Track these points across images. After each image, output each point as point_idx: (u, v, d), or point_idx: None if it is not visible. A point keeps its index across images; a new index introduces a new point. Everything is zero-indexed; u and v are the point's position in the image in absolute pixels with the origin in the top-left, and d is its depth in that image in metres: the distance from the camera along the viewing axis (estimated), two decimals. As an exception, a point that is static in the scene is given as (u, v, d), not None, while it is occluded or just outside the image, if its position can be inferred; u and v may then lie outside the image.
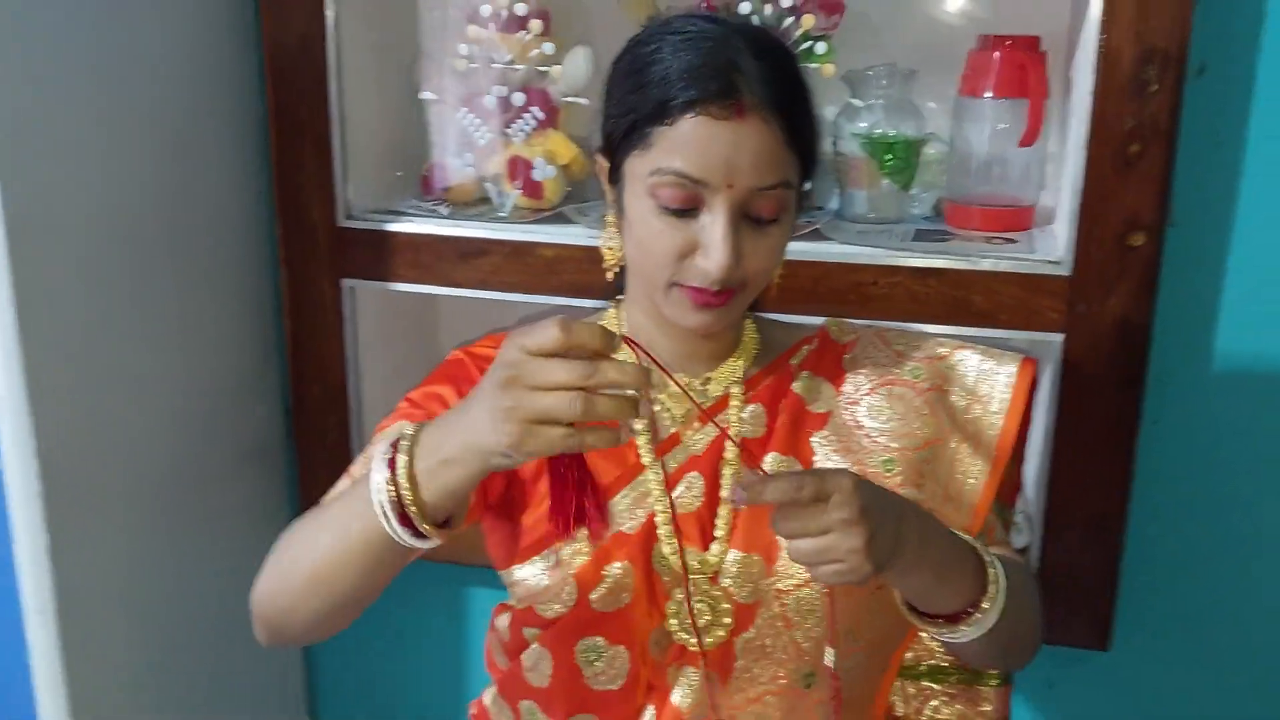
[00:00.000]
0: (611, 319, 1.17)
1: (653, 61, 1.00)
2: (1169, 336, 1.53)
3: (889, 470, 1.11)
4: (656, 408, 1.13)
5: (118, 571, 1.59)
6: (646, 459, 1.11)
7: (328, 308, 1.68)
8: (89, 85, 1.47)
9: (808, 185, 1.07)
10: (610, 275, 1.14)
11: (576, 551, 1.09)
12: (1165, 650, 1.70)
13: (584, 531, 1.07)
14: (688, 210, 1.00)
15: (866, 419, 1.13)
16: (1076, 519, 1.53)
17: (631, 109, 1.01)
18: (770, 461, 1.11)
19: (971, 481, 1.14)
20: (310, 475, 1.79)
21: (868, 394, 1.14)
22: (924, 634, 1.16)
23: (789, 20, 1.51)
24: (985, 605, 1.01)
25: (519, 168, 1.61)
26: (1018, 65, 1.50)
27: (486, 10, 1.55)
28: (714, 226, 0.99)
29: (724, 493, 1.10)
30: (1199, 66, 1.45)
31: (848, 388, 1.15)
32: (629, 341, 0.99)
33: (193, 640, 1.74)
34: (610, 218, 1.11)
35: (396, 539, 0.92)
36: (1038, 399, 1.52)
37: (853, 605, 1.09)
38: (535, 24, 1.54)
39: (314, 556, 0.98)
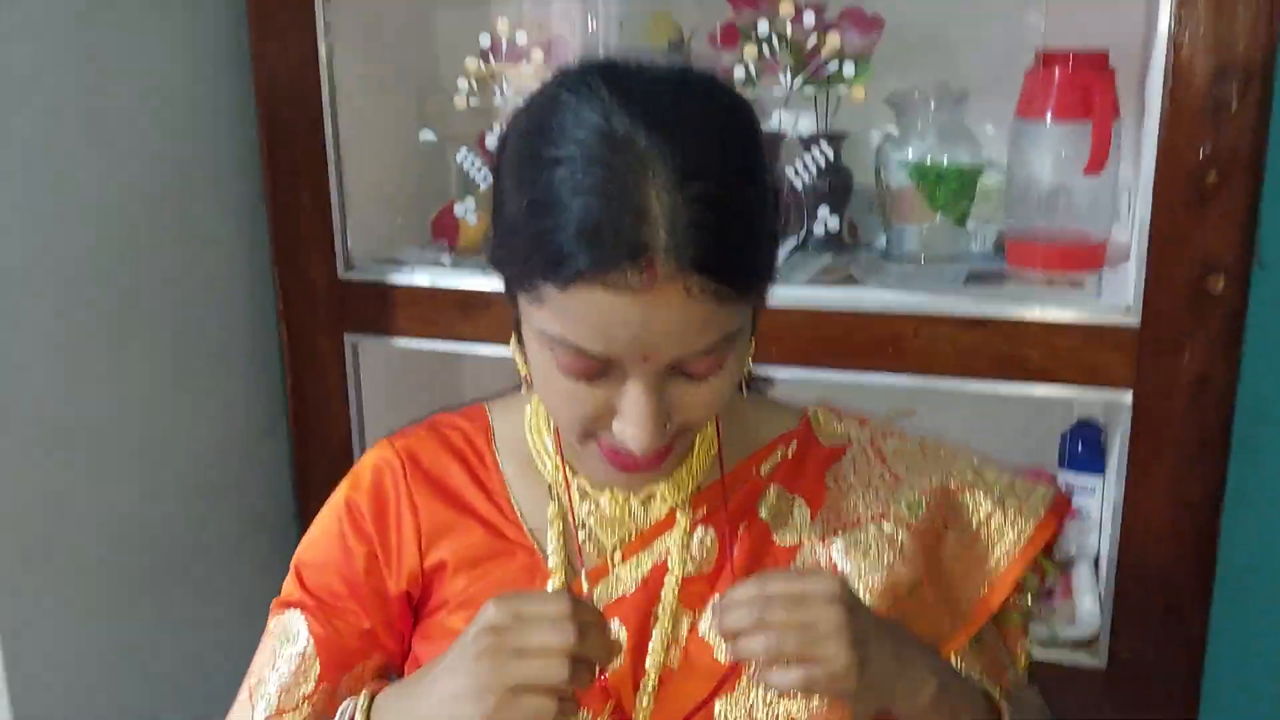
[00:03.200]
0: (538, 413, 0.96)
1: (546, 178, 0.75)
2: (1256, 396, 1.37)
3: None
4: (581, 535, 0.94)
5: (86, 648, 1.51)
6: None
7: (330, 365, 1.60)
8: (74, 134, 1.40)
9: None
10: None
11: None
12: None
13: None
14: (597, 375, 0.79)
15: (841, 558, 0.93)
16: (1150, 607, 1.37)
17: (516, 234, 0.78)
18: (714, 609, 0.86)
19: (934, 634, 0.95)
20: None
21: (851, 526, 0.94)
22: None
23: (813, 40, 1.37)
24: None
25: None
26: (1081, 84, 1.39)
27: (485, 41, 1.45)
28: (631, 396, 0.79)
29: (651, 658, 0.91)
30: (1289, 79, 1.27)
31: (827, 514, 0.95)
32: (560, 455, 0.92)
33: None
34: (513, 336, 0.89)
35: None
36: (1108, 464, 1.34)
37: None
38: (536, 53, 1.43)
39: None
